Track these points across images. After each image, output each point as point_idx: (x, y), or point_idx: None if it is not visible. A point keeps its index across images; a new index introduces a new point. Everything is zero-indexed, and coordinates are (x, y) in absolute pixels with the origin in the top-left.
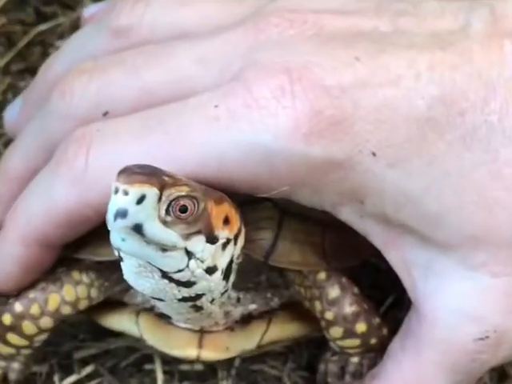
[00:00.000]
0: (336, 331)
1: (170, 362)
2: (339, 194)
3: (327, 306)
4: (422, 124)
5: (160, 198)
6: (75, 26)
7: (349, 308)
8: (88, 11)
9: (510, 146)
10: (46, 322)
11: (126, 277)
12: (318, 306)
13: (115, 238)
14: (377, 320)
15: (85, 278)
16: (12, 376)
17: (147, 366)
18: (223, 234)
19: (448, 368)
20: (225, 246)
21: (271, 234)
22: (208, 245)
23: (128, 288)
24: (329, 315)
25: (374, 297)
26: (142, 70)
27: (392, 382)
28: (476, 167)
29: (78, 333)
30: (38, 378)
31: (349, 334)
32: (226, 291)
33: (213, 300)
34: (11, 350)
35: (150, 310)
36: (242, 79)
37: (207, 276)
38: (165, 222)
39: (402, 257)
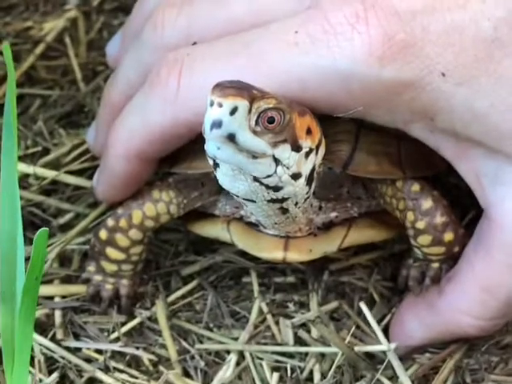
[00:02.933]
0: (425, 239)
1: (264, 274)
2: (411, 113)
3: (420, 216)
4: (488, 44)
5: (250, 110)
6: None
7: (440, 218)
8: None
9: None
10: (135, 233)
11: (220, 182)
12: (410, 215)
13: (211, 146)
14: (462, 230)
15: (164, 196)
16: (122, 291)
17: (244, 279)
18: (306, 143)
19: None
20: (308, 154)
21: (349, 145)
22: (293, 153)
23: (211, 204)
24: (420, 224)
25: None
26: (226, 2)
27: (465, 282)
28: None
29: (179, 251)
30: (146, 295)
31: (436, 241)
32: (308, 197)
33: (297, 203)
34: (114, 267)
35: (240, 219)
36: (319, 7)
37: (292, 181)
38: (255, 132)
39: (471, 168)
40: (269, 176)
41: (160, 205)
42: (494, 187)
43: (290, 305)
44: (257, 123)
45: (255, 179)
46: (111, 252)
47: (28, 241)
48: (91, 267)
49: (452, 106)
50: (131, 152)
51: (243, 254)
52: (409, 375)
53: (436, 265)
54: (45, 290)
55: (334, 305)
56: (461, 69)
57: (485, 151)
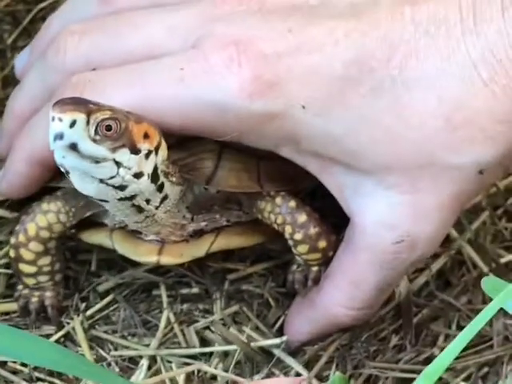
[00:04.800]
0: (303, 248)
1: (172, 287)
2: (278, 138)
3: (297, 229)
4: (340, 81)
5: (88, 121)
6: None
7: (313, 229)
8: None
9: (408, 92)
10: (35, 246)
11: (75, 186)
12: (288, 228)
13: (58, 156)
14: (333, 237)
15: (52, 207)
16: (47, 302)
17: (154, 292)
18: (144, 146)
19: (377, 264)
20: (147, 155)
21: (212, 163)
22: (132, 155)
23: (100, 212)
24: (298, 236)
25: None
26: (122, 35)
27: (337, 279)
28: (384, 112)
29: (94, 270)
30: (68, 309)
31: (312, 249)
32: (165, 198)
33: (148, 201)
34: (32, 280)
35: (123, 228)
36: (201, 48)
37: (135, 180)
38: (94, 140)
39: (334, 182)
40: (112, 177)
41: (50, 215)
42: (354, 198)
43: (196, 312)
44: (96, 132)
45: (101, 181)
46: (23, 267)
47: None
48: (19, 286)
49: (312, 133)
50: (33, 158)
51: (152, 270)
52: (299, 363)
53: (315, 268)
54: None
55: (234, 308)
56: (317, 102)
57: (344, 168)
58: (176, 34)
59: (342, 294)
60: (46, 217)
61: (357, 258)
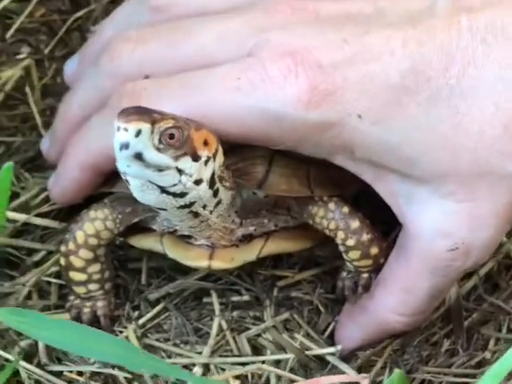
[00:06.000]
0: (355, 254)
1: (223, 294)
2: (333, 147)
3: (350, 235)
4: (397, 90)
5: (153, 131)
6: (107, 11)
7: (366, 236)
8: None
9: (466, 100)
10: (84, 253)
11: (134, 195)
12: (341, 234)
13: (122, 165)
14: (384, 244)
15: (99, 214)
16: (99, 312)
17: (205, 300)
18: (204, 153)
19: (430, 272)
20: (206, 162)
21: (263, 168)
22: (194, 163)
23: (148, 218)
24: (350, 242)
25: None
26: (176, 44)
27: (389, 285)
28: (441, 120)
29: (144, 278)
30: (120, 319)
31: (364, 255)
32: (219, 202)
33: (205, 206)
34: (82, 289)
35: (173, 232)
36: (258, 57)
37: (196, 186)
38: (158, 149)
39: (388, 190)
40: (174, 185)
41: (97, 222)
42: (408, 206)
43: (247, 320)
44: (160, 141)
45: (162, 190)
46: (73, 275)
47: (7, 277)
48: (71, 296)
49: (368, 142)
50: (87, 164)
51: (202, 278)
52: (352, 369)
53: (366, 275)
54: None
55: (285, 316)
56: (374, 111)
57: (398, 176)
58: (229, 41)
59: (395, 300)
60: (94, 224)
61: (410, 265)
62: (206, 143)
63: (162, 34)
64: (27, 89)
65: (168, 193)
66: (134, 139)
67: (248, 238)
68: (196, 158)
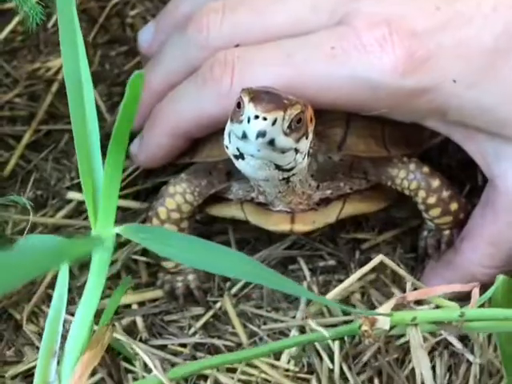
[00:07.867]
0: (436, 211)
1: (309, 261)
2: (427, 111)
3: (430, 193)
4: (490, 54)
5: (283, 118)
6: None
7: (446, 193)
8: None
9: None
10: (169, 227)
11: (243, 171)
12: (422, 193)
13: (252, 149)
14: (463, 200)
15: (178, 189)
16: (192, 285)
17: (291, 267)
18: (310, 128)
19: None
20: (308, 136)
21: (342, 130)
22: (306, 140)
23: (223, 189)
24: (431, 200)
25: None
26: (266, 12)
27: (476, 240)
28: None
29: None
30: (212, 290)
31: (445, 212)
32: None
33: (297, 174)
34: (171, 263)
35: (250, 200)
36: (352, 26)
37: (303, 161)
38: (286, 134)
39: (477, 148)
40: (289, 163)
41: (177, 197)
42: (497, 163)
43: (334, 283)
44: (289, 127)
45: (277, 167)
46: None
47: None
48: (160, 273)
49: (461, 105)
50: (178, 131)
51: (287, 247)
52: None
53: (447, 232)
54: (123, 299)
55: (371, 277)
56: (469, 75)
57: (488, 135)
58: (321, 10)
59: (481, 254)
60: (174, 199)
61: (497, 219)
62: (311, 119)
63: (250, 2)
64: None
65: (281, 168)
66: (270, 127)
67: (325, 202)
68: (307, 136)
